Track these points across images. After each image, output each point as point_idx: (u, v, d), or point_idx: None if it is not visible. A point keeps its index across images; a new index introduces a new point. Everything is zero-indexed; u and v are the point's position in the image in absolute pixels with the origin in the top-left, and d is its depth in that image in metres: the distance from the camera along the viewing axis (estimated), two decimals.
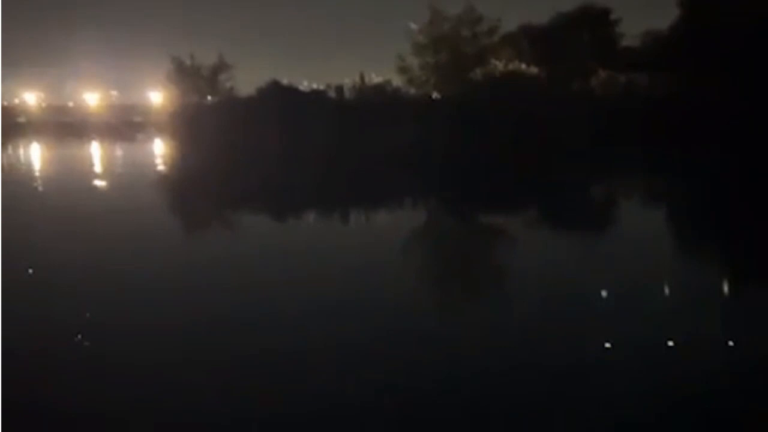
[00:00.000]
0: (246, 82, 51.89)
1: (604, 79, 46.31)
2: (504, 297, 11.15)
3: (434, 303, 10.93)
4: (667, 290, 10.88)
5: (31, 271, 12.74)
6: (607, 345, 8.32)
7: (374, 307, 10.30)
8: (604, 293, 10.72)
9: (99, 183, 29.35)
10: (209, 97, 50.80)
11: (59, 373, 7.92)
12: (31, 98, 78.13)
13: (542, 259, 13.50)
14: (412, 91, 46.88)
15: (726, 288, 11.48)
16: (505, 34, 46.94)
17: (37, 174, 35.55)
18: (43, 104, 77.38)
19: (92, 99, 73.14)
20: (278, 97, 44.55)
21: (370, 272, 12.51)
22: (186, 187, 28.62)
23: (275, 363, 8.08)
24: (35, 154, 49.26)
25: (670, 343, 8.30)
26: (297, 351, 8.42)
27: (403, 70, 46.79)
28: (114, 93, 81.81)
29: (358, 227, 18.82)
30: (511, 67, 45.65)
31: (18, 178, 32.58)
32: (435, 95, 46.50)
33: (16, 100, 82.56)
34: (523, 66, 45.91)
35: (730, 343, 8.33)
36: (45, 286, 11.76)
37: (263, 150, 36.88)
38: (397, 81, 47.42)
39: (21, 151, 51.98)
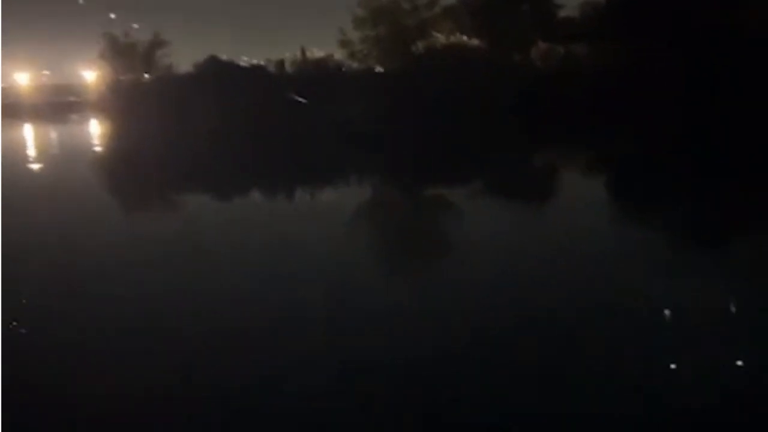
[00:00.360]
0: (184, 58, 50.61)
1: (543, 51, 46.63)
2: (445, 265, 11.22)
3: (375, 274, 10.90)
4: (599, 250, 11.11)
5: None
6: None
7: (316, 277, 10.23)
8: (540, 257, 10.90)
9: (34, 165, 28.37)
10: (146, 75, 49.43)
11: None
12: None
13: (485, 229, 13.63)
14: (354, 65, 46.48)
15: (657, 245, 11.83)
16: (445, 6, 46.91)
17: None
18: None
19: (23, 79, 70.39)
20: (217, 72, 43.63)
21: (315, 246, 12.38)
22: (124, 168, 27.86)
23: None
24: None
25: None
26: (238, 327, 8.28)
27: (344, 44, 46.34)
28: (46, 73, 78.94)
29: (303, 204, 18.60)
30: (452, 39, 45.53)
31: None
32: (377, 69, 46.19)
33: None
34: (465, 38, 45.83)
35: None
36: None
37: (203, 127, 36.15)
38: (339, 55, 46.98)
39: None
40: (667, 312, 8.35)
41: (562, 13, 48.86)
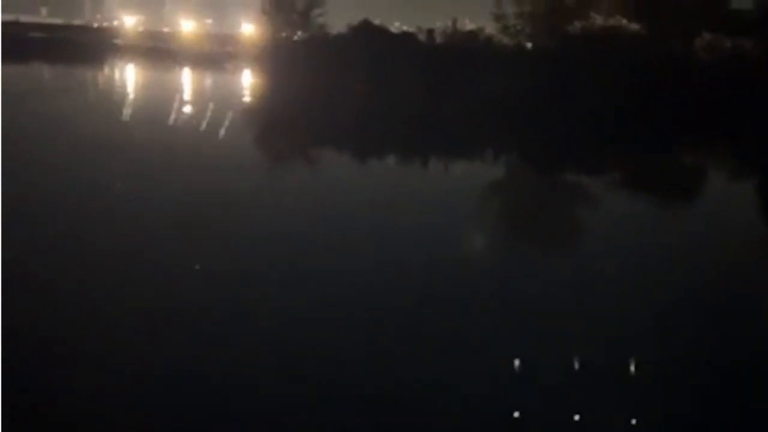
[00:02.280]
0: (338, 19, 51.39)
1: (707, 42, 43.89)
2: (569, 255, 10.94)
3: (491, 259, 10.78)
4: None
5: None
6: None
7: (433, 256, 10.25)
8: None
9: (187, 110, 29.92)
10: (300, 32, 50.70)
11: None
12: (129, 21, 79.88)
13: (617, 222, 13.15)
14: (506, 40, 45.64)
15: None
16: None
17: (131, 98, 36.52)
18: (140, 28, 78.99)
19: (187, 26, 74.14)
20: (369, 36, 44.10)
21: (439, 221, 12.40)
22: (270, 122, 28.87)
23: None
24: (129, 77, 50.56)
25: None
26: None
27: (498, 17, 45.59)
28: (209, 21, 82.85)
29: (435, 175, 18.61)
30: (611, 22, 43.70)
31: (112, 103, 33.55)
32: (529, 46, 45.15)
33: (115, 22, 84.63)
34: (624, 22, 43.85)
35: None
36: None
37: (351, 89, 36.77)
38: (491, 29, 46.25)
39: (116, 72, 53.44)
40: None
41: (733, 5, 45.75)
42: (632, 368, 6.69)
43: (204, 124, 24.23)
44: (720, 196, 17.28)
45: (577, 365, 6.79)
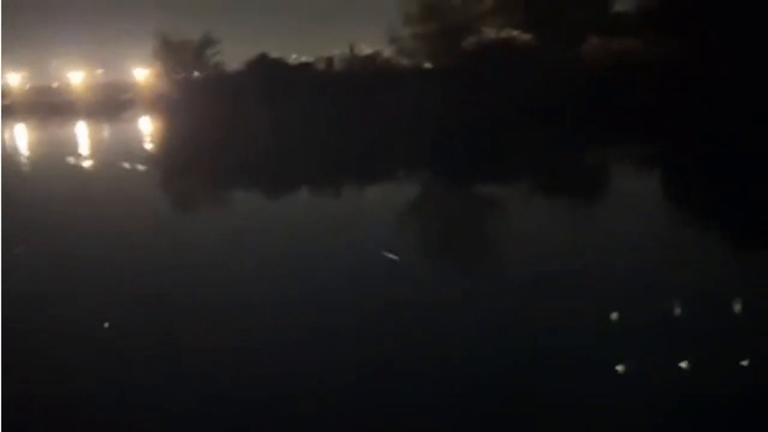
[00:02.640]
0: (234, 56, 50.97)
1: (596, 46, 45.61)
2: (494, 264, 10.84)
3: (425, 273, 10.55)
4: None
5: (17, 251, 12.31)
6: None
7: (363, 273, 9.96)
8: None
9: (86, 163, 28.77)
10: (196, 73, 49.98)
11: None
12: (14, 79, 76.95)
13: (533, 228, 13.19)
14: (404, 62, 46.25)
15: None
16: (496, 1, 46.20)
17: (24, 157, 34.93)
18: (27, 85, 76.24)
19: (77, 78, 71.97)
20: (267, 70, 43.86)
21: (361, 244, 12.13)
22: (174, 164, 28.08)
23: None
24: (20, 136, 48.47)
25: None
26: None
27: (393, 40, 46.16)
28: (99, 71, 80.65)
29: (351, 201, 18.37)
30: (502, 34, 44.94)
31: (4, 165, 31.96)
32: (427, 65, 45.85)
33: None
34: (515, 33, 45.17)
35: None
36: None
37: (253, 125, 36.28)
38: (388, 52, 46.79)
39: (6, 135, 51.18)
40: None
41: (616, 8, 47.68)
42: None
43: (105, 176, 23.29)
44: (624, 197, 17.59)
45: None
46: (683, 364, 6.61)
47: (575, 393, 6.30)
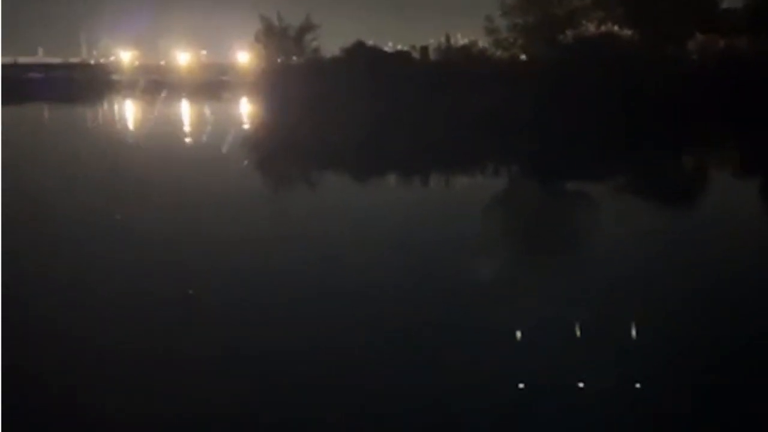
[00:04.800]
0: (332, 43, 51.81)
1: (701, 43, 44.08)
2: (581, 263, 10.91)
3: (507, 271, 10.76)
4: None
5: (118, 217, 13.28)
6: None
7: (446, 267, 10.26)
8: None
9: (188, 140, 30.09)
10: (295, 58, 51.07)
11: None
12: (125, 56, 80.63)
13: (622, 229, 13.12)
14: (499, 53, 45.97)
15: None
16: None
17: (131, 130, 36.77)
18: (136, 62, 79.69)
19: (183, 58, 74.84)
20: (363, 57, 44.42)
21: (445, 236, 12.42)
22: (270, 146, 29.03)
23: None
24: (129, 111, 50.94)
25: None
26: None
27: (490, 31, 45.95)
28: (204, 52, 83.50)
29: (437, 191, 18.69)
30: (602, 29, 43.99)
31: (113, 135, 33.79)
32: (522, 57, 45.44)
33: (112, 58, 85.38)
34: (616, 28, 44.13)
35: None
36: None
37: (347, 111, 36.95)
38: (484, 43, 46.62)
39: (115, 108, 53.83)
40: None
41: (724, 4, 45.97)
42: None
43: (206, 153, 24.35)
44: (725, 198, 17.23)
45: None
46: None
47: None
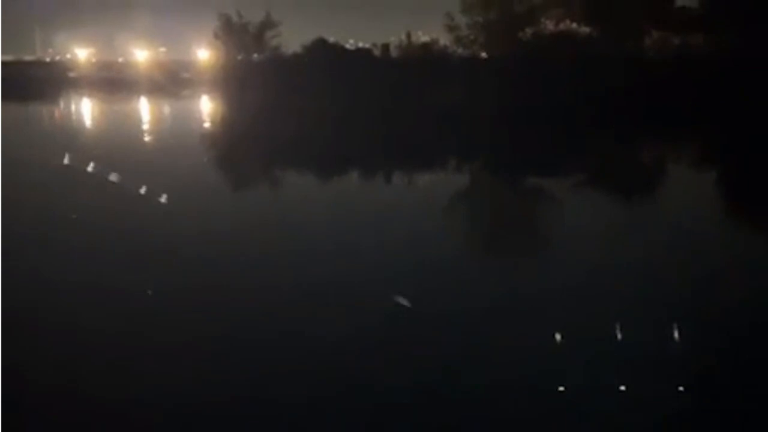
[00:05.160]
0: (292, 40, 51.55)
1: (657, 41, 44.86)
2: (543, 258, 11.01)
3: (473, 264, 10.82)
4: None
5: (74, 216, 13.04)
6: None
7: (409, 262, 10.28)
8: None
9: (147, 138, 29.68)
10: (255, 55, 50.71)
11: None
12: (82, 54, 79.12)
13: (580, 222, 13.32)
14: (460, 50, 46.20)
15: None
16: None
17: (88, 128, 36.15)
18: (93, 59, 78.29)
19: (141, 55, 73.74)
20: (324, 55, 44.31)
21: (407, 231, 12.44)
22: (231, 144, 28.78)
23: None
24: (86, 109, 50.04)
25: None
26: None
27: (451, 28, 46.14)
28: (162, 50, 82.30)
29: (399, 187, 18.72)
30: (561, 26, 44.52)
31: (70, 132, 33.16)
32: (483, 55, 45.73)
33: (68, 55, 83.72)
34: (574, 26, 44.70)
35: None
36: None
37: (308, 108, 36.80)
38: (445, 40, 46.79)
39: (72, 106, 52.83)
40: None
41: (679, 2, 46.83)
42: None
43: (165, 151, 24.03)
44: (681, 192, 17.58)
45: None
46: None
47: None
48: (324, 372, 6.81)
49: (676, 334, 7.36)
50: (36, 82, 61.94)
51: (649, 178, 20.38)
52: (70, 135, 31.82)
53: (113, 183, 16.85)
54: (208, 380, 6.68)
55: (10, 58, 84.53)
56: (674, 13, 45.72)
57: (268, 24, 51.48)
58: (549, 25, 44.67)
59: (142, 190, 15.44)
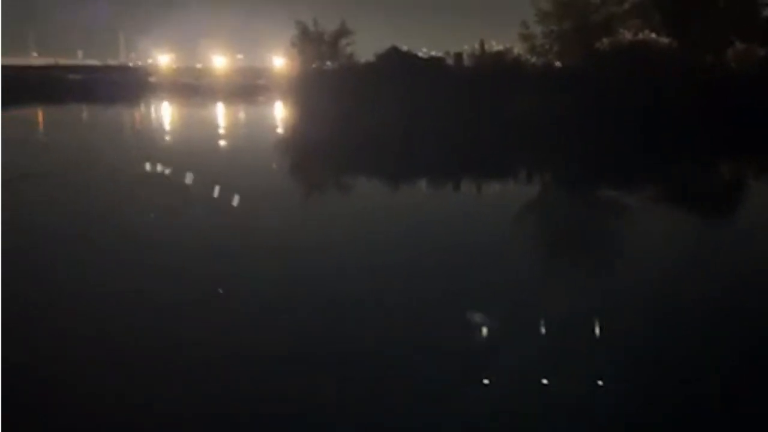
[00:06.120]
0: (366, 48, 51.81)
1: (740, 52, 43.32)
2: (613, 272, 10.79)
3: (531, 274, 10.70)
4: None
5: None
6: None
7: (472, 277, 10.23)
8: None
9: (223, 142, 30.36)
10: (329, 63, 51.24)
11: None
12: (163, 59, 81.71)
13: (659, 238, 12.98)
14: (534, 60, 45.63)
15: None
16: (634, 2, 44.77)
17: (167, 131, 37.25)
18: (174, 65, 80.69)
19: (219, 62, 75.64)
20: (397, 63, 44.41)
21: (475, 242, 12.39)
22: (302, 150, 29.18)
23: None
24: (165, 112, 51.58)
25: None
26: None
27: (525, 37, 45.58)
28: (240, 56, 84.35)
29: (471, 197, 18.64)
30: (640, 37, 43.50)
31: (149, 135, 34.25)
32: (557, 64, 45.07)
33: (150, 60, 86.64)
34: (653, 36, 43.60)
35: None
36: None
37: (380, 116, 37.00)
38: (519, 49, 46.31)
39: (152, 109, 54.52)
40: None
41: (765, 12, 45.10)
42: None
43: (238, 155, 24.54)
44: (761, 213, 16.95)
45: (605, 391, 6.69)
46: None
47: None
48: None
49: None
50: (118, 87, 64.18)
51: (730, 193, 19.71)
52: (148, 137, 32.84)
53: (188, 185, 17.37)
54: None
55: (95, 62, 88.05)
56: (759, 23, 44.10)
57: (342, 32, 51.91)
58: (627, 35, 43.71)
59: (215, 193, 15.89)
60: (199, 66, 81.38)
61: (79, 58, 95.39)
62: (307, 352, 7.50)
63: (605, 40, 43.48)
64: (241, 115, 49.63)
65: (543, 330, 8.01)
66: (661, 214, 16.20)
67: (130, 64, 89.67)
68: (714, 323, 8.37)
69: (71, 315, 8.48)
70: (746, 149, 29.22)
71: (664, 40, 43.11)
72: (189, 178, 18.07)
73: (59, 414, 6.18)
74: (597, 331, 7.97)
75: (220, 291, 9.36)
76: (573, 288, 9.92)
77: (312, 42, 51.64)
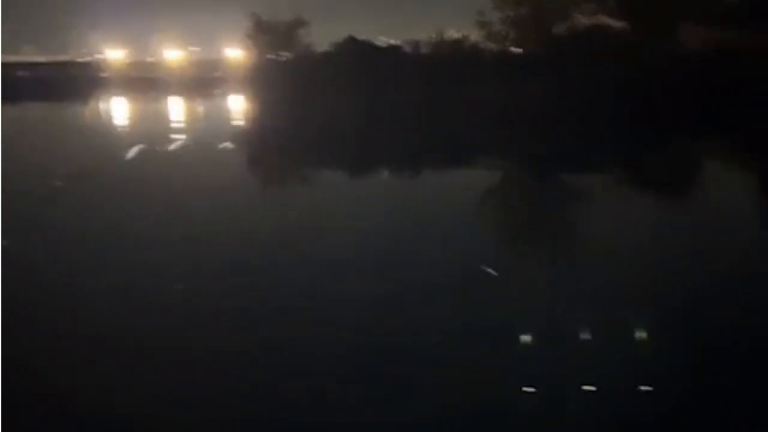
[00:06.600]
0: (322, 38, 51.39)
1: (695, 36, 43.77)
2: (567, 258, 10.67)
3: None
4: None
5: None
6: None
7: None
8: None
9: (178, 136, 29.72)
10: (286, 54, 50.72)
11: None
12: (115, 54, 79.83)
13: (617, 221, 12.92)
14: (492, 46, 45.68)
15: None
16: None
17: (120, 126, 36.43)
18: (127, 60, 78.97)
19: (173, 55, 74.17)
20: (354, 53, 44.14)
21: (435, 226, 12.20)
22: (261, 142, 28.74)
23: None
24: (119, 108, 50.47)
25: None
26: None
27: (482, 25, 45.63)
28: (194, 49, 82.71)
29: (433, 186, 18.43)
30: (595, 21, 43.77)
31: (102, 131, 33.43)
32: (515, 50, 45.20)
33: (101, 56, 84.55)
34: (609, 20, 43.92)
35: None
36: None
37: (338, 106, 36.68)
38: (476, 37, 46.30)
39: (106, 105, 53.28)
40: None
41: None
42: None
43: (200, 149, 24.07)
44: (720, 190, 17.04)
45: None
46: None
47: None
48: None
49: None
50: (70, 83, 62.61)
51: (686, 175, 19.84)
52: (97, 134, 32.06)
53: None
54: None
55: (43, 59, 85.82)
56: (713, 6, 44.58)
57: (298, 23, 51.47)
58: (582, 20, 43.95)
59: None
60: (152, 60, 79.78)
61: (27, 54, 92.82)
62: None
63: (561, 25, 43.72)
64: (197, 108, 48.78)
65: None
66: (619, 198, 16.14)
67: (81, 60, 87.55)
68: None
69: None
70: (701, 131, 29.52)
71: (620, 23, 43.46)
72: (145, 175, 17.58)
73: None
74: None
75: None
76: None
77: (267, 33, 51.10)
